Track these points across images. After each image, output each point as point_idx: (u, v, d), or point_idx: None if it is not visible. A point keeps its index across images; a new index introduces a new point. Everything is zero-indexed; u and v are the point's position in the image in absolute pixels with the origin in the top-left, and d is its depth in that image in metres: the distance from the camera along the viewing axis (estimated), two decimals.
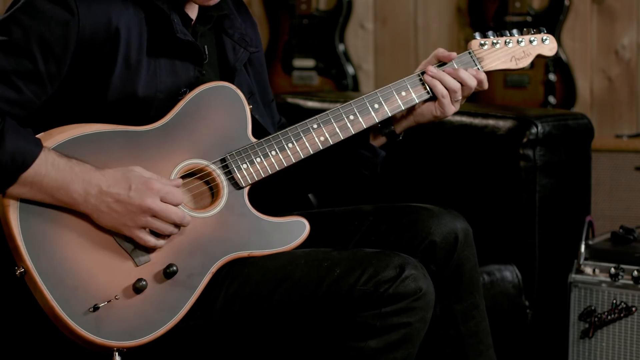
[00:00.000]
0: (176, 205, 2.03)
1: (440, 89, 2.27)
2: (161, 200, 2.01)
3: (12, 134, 1.95)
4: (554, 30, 4.31)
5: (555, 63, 4.31)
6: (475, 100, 4.39)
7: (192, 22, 2.18)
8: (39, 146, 1.97)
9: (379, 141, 2.35)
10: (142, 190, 2.00)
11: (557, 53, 4.22)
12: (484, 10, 4.43)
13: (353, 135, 2.25)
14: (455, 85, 2.27)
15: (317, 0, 4.71)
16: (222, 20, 2.25)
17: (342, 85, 4.65)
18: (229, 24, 2.26)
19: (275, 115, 2.43)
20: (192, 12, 2.19)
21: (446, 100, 2.27)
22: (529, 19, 4.31)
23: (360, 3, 4.69)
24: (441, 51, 2.31)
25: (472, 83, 2.28)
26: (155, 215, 2.01)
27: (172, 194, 2.02)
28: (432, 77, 2.27)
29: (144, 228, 2.02)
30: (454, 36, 4.58)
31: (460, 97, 2.29)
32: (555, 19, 4.32)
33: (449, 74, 2.27)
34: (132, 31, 2.06)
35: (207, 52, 2.19)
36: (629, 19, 4.32)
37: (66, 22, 2.00)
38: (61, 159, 1.99)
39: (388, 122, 2.33)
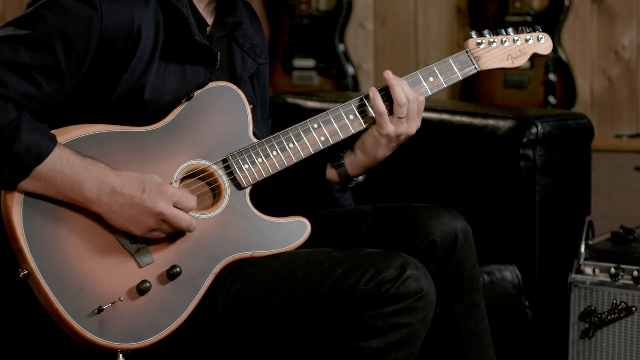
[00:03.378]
0: (188, 210, 2.03)
1: (378, 103, 2.23)
2: (174, 206, 2.01)
3: (28, 126, 1.95)
4: (554, 30, 4.32)
5: (555, 63, 4.31)
6: (475, 100, 4.41)
7: (208, 28, 2.19)
8: (54, 141, 1.98)
9: (333, 175, 2.34)
10: (155, 193, 2.00)
11: (552, 51, 4.25)
12: (484, 10, 4.44)
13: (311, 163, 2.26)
14: (402, 98, 2.22)
15: (317, 0, 4.71)
16: (236, 28, 2.25)
17: (342, 85, 4.65)
18: (240, 34, 2.26)
19: (269, 135, 2.41)
20: (209, 17, 2.20)
21: (382, 118, 2.24)
22: (529, 19, 4.31)
23: (360, 3, 4.69)
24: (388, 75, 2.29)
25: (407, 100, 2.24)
26: (165, 220, 2.01)
27: (185, 197, 2.03)
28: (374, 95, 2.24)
29: (151, 230, 2.02)
30: (454, 36, 4.58)
31: (404, 114, 2.24)
32: (555, 19, 4.33)
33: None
34: (149, 32, 2.06)
35: (219, 58, 2.19)
36: (629, 19, 4.33)
37: (89, 20, 2.00)
38: (76, 157, 1.99)
39: (338, 157, 2.32)
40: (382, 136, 2.25)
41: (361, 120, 2.25)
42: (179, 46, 2.11)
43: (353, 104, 2.25)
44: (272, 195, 2.35)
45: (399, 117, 2.24)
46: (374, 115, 2.24)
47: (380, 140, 2.26)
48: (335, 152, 2.32)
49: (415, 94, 2.25)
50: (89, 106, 2.08)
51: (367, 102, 2.25)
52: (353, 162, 2.32)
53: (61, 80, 2.01)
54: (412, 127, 2.27)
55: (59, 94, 2.02)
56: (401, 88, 2.23)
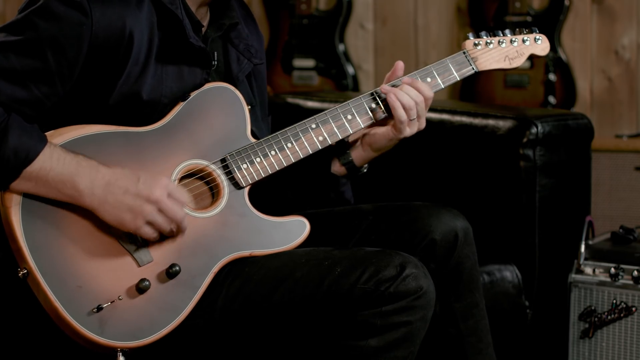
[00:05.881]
0: (182, 203, 2.03)
1: (400, 112, 2.24)
2: (168, 197, 2.01)
3: (16, 129, 1.96)
4: (554, 30, 4.32)
5: (555, 63, 4.31)
6: (475, 100, 4.41)
7: (203, 29, 2.19)
8: (43, 141, 1.98)
9: (340, 171, 2.35)
10: (150, 183, 2.00)
11: (552, 51, 4.25)
12: (484, 10, 4.44)
13: (317, 160, 2.27)
14: (410, 102, 2.24)
15: (317, 0, 4.71)
16: (231, 29, 2.25)
17: (342, 85, 4.65)
18: (235, 34, 2.26)
19: (269, 132, 2.42)
20: (204, 18, 2.20)
21: (403, 125, 2.25)
22: (529, 19, 4.31)
23: (360, 3, 4.69)
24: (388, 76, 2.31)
25: (429, 93, 2.27)
26: (160, 209, 2.01)
27: (179, 192, 2.03)
28: (393, 98, 2.24)
29: (147, 222, 2.02)
30: (454, 36, 4.58)
31: (415, 116, 2.25)
32: (555, 19, 4.32)
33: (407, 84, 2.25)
34: (143, 36, 2.07)
35: (216, 59, 2.19)
36: (629, 19, 4.33)
37: (80, 25, 2.00)
38: (67, 154, 1.99)
39: (345, 154, 2.32)
40: (399, 139, 2.28)
41: (359, 121, 2.25)
42: (174, 48, 2.11)
43: (351, 104, 2.25)
44: (278, 194, 2.35)
45: (411, 120, 2.25)
46: (394, 122, 2.24)
47: (397, 141, 2.29)
48: (340, 148, 2.33)
49: (419, 95, 2.25)
50: (87, 109, 2.08)
51: (374, 101, 2.25)
52: (361, 157, 2.34)
53: (52, 85, 2.01)
54: (422, 123, 2.29)
55: (50, 98, 2.03)
56: (406, 94, 2.24)
